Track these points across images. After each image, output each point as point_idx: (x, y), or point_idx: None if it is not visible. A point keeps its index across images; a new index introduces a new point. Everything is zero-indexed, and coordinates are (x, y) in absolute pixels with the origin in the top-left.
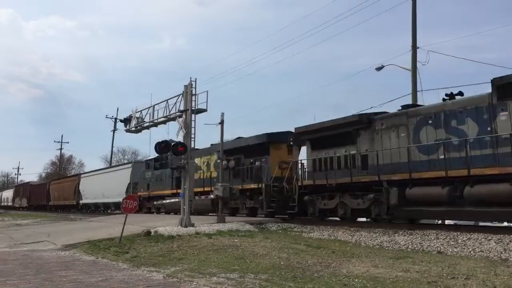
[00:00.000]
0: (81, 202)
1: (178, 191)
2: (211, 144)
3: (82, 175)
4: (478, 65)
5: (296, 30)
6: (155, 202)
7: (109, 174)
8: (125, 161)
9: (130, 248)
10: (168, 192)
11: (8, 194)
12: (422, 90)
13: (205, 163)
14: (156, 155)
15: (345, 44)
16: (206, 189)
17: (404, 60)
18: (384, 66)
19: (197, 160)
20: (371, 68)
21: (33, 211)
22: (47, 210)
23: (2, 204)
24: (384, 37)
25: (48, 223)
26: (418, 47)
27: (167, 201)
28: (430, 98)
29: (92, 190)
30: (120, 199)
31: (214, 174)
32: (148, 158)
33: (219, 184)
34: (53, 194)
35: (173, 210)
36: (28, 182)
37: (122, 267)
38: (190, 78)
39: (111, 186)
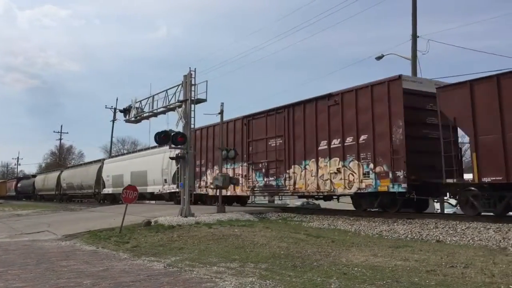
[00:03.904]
0: None
1: None
2: None
3: None
4: (478, 53)
5: (294, 19)
6: None
7: None
8: (125, 151)
9: (131, 238)
10: None
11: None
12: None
13: None
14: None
15: (343, 33)
16: None
17: (403, 49)
18: (384, 56)
19: None
20: (370, 57)
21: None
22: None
23: (106, 192)
24: (384, 26)
25: (48, 213)
26: (418, 36)
27: None
28: None
29: None
30: None
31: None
32: None
33: (219, 174)
34: None
35: None
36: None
37: (123, 257)
38: (190, 68)
39: None
